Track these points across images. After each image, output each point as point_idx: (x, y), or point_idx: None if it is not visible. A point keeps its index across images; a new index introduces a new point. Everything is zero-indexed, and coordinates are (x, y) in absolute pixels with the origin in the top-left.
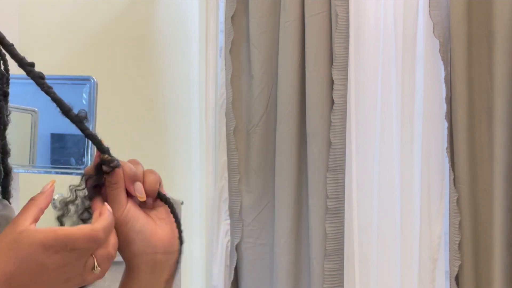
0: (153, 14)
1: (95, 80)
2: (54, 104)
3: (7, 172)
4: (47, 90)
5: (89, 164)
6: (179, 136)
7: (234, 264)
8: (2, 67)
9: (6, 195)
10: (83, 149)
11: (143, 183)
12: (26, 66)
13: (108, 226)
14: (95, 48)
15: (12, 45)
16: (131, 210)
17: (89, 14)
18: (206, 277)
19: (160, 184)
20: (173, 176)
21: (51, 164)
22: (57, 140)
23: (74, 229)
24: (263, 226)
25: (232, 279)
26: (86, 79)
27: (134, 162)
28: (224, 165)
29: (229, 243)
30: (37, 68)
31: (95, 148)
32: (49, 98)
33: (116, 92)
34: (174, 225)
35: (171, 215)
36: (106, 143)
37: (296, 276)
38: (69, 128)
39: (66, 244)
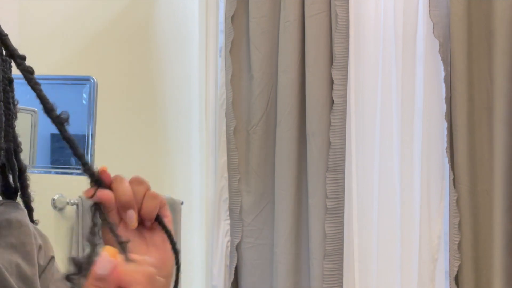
0: (153, 14)
1: (95, 80)
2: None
3: (22, 170)
4: (34, 86)
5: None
6: (179, 136)
7: (234, 264)
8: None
9: (26, 197)
10: (83, 149)
11: (141, 207)
12: (17, 58)
13: None
14: (95, 48)
15: (6, 35)
16: (121, 234)
17: (89, 14)
18: (206, 277)
19: (162, 207)
20: (173, 176)
21: (51, 164)
22: (57, 140)
23: None
24: (263, 226)
25: (232, 279)
26: (86, 79)
27: (137, 181)
28: (224, 165)
29: (229, 243)
30: (37, 68)
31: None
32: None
33: (116, 92)
34: (168, 252)
35: (167, 241)
36: (105, 146)
37: (296, 276)
38: (69, 128)
39: None
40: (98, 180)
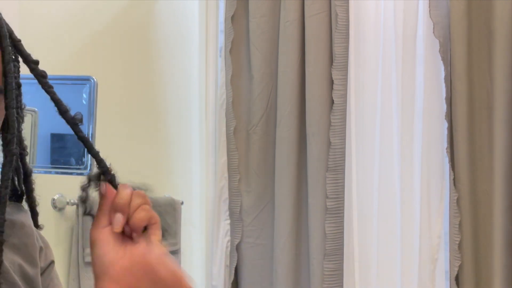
0: (153, 14)
1: (95, 80)
2: (54, 104)
3: (28, 173)
4: (48, 89)
5: (89, 165)
6: (179, 136)
7: (234, 264)
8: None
9: (31, 200)
10: (83, 149)
11: (131, 217)
12: (31, 63)
13: None
14: (95, 48)
15: (20, 40)
16: (105, 234)
17: (89, 14)
18: (206, 277)
19: (153, 224)
20: (173, 176)
21: (51, 164)
22: (57, 140)
23: None
24: (263, 226)
25: (232, 279)
26: (86, 79)
27: (138, 194)
28: (224, 165)
29: (229, 243)
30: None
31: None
32: (48, 98)
33: (116, 92)
34: (136, 268)
35: (146, 258)
36: (105, 146)
37: (296, 276)
38: (69, 128)
39: None
40: (111, 178)
